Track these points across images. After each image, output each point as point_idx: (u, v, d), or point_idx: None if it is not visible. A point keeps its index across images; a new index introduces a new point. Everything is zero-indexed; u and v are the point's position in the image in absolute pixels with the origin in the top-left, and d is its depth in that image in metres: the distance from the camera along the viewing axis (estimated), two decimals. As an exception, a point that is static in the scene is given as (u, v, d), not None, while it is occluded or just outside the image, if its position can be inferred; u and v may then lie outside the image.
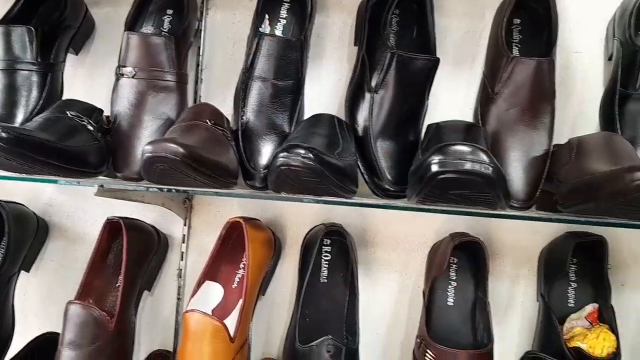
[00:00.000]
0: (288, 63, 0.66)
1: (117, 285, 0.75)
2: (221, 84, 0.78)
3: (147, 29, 0.73)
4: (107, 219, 0.74)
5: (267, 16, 0.73)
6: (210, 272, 0.72)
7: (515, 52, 0.69)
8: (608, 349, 0.63)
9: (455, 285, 0.72)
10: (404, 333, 0.76)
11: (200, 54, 0.79)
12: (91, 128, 0.63)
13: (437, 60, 0.64)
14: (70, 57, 0.80)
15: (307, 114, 0.70)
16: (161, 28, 0.74)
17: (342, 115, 0.69)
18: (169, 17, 0.74)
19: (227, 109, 0.70)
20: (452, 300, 0.71)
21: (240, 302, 0.68)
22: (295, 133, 0.63)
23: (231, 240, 0.74)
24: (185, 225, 0.80)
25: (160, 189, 0.58)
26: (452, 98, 0.74)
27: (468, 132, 0.58)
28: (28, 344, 0.76)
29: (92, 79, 0.81)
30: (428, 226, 0.76)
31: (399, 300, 0.77)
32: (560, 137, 0.64)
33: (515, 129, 0.62)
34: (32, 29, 0.68)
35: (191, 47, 0.76)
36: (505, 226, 0.75)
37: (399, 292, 0.77)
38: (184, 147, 0.51)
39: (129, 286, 0.72)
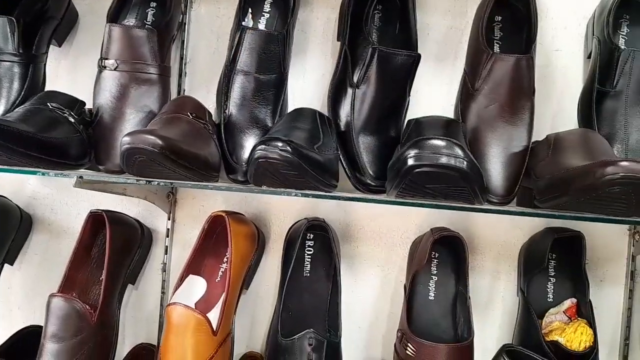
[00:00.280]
0: (270, 57, 0.66)
1: (101, 278, 0.75)
2: (205, 78, 0.78)
3: (130, 21, 0.73)
4: (90, 212, 0.74)
5: (250, 10, 0.73)
6: (194, 266, 0.73)
7: (496, 49, 0.70)
8: (585, 343, 0.64)
9: (436, 279, 0.72)
10: (386, 327, 0.77)
11: (184, 47, 0.79)
12: (72, 120, 0.63)
13: (418, 56, 0.64)
14: (54, 49, 0.79)
15: (291, 108, 0.70)
16: (145, 21, 0.74)
17: (325, 111, 0.69)
18: (152, 10, 0.74)
19: (210, 103, 0.71)
20: (433, 295, 0.72)
21: (223, 295, 0.69)
22: (276, 127, 0.63)
23: (214, 234, 0.74)
24: (169, 219, 0.80)
25: (138, 181, 0.58)
26: (434, 94, 0.75)
27: (447, 127, 0.59)
28: (11, 336, 0.76)
29: (75, 71, 0.81)
30: (411, 222, 0.77)
31: (381, 295, 0.78)
32: (541, 133, 0.65)
33: (495, 125, 0.63)
34: (14, 19, 0.67)
35: (175, 41, 0.76)
36: (486, 222, 0.76)
37: (381, 287, 0.78)
38: (162, 138, 0.51)
39: (112, 279, 0.72)
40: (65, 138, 0.62)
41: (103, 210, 0.74)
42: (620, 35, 0.69)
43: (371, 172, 0.64)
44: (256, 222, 0.78)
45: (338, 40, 0.72)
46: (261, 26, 0.73)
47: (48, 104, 0.63)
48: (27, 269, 0.84)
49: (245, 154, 0.65)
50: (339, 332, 0.69)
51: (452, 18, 0.76)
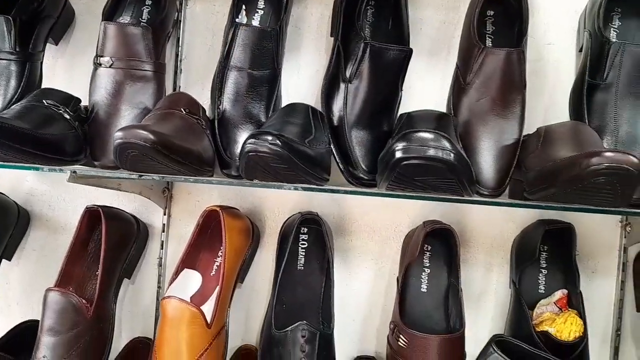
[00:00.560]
0: (264, 53, 0.67)
1: (97, 273, 0.76)
2: (200, 75, 0.79)
3: (125, 19, 0.74)
4: (87, 207, 0.75)
5: (244, 7, 0.73)
6: (189, 260, 0.73)
7: (489, 43, 0.70)
8: (575, 334, 0.64)
9: (429, 272, 0.73)
10: (379, 319, 0.78)
11: (180, 44, 0.80)
12: (68, 117, 0.64)
13: (410, 51, 0.65)
14: (51, 47, 0.80)
15: (285, 104, 0.71)
16: (140, 18, 0.74)
17: (319, 106, 0.70)
18: (147, 8, 0.75)
19: (205, 99, 0.71)
20: (426, 287, 0.73)
21: (217, 289, 0.69)
22: (269, 121, 0.64)
23: (209, 228, 0.75)
24: (165, 214, 0.81)
25: (131, 175, 0.59)
26: (426, 89, 0.75)
27: (438, 121, 0.59)
28: (9, 331, 0.77)
29: (72, 69, 0.82)
30: (404, 215, 0.77)
31: (374, 288, 0.78)
32: (533, 127, 0.65)
33: (486, 118, 0.63)
34: (11, 18, 0.68)
35: (170, 38, 0.77)
36: (479, 215, 0.76)
37: (374, 280, 0.78)
38: (154, 133, 0.52)
39: (108, 274, 0.73)
40: (61, 134, 0.63)
41: (99, 206, 0.75)
42: (612, 29, 0.70)
43: (364, 166, 0.64)
44: (251, 216, 0.79)
45: (332, 36, 0.73)
46: (255, 23, 0.74)
47: (44, 101, 0.64)
48: (25, 264, 0.85)
49: (239, 149, 0.66)
50: (332, 324, 0.70)
51: (445, 13, 0.76)
